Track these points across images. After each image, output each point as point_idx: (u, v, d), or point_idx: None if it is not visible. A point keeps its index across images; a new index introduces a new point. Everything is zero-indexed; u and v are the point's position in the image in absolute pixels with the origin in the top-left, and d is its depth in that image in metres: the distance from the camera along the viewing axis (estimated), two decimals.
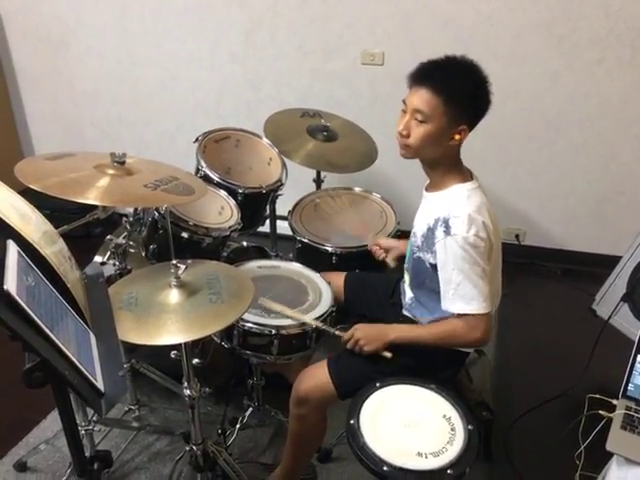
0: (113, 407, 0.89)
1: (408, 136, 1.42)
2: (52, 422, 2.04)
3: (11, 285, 0.77)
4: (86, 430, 1.73)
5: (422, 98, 1.37)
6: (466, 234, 1.36)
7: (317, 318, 1.62)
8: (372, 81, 2.88)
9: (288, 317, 1.62)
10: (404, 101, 1.43)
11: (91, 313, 1.04)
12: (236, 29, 2.94)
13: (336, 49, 2.86)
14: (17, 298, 0.76)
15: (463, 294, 1.39)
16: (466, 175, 1.48)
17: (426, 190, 1.55)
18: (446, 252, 1.39)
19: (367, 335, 1.52)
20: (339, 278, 1.86)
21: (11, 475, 1.87)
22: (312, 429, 1.65)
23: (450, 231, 1.38)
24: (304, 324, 1.60)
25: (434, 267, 1.46)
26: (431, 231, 1.45)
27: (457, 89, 1.36)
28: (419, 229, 1.53)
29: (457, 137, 1.40)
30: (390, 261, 1.86)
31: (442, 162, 1.46)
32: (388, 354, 1.51)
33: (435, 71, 1.39)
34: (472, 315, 1.39)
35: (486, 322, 1.40)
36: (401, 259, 1.77)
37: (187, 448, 1.64)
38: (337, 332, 1.59)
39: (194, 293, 1.36)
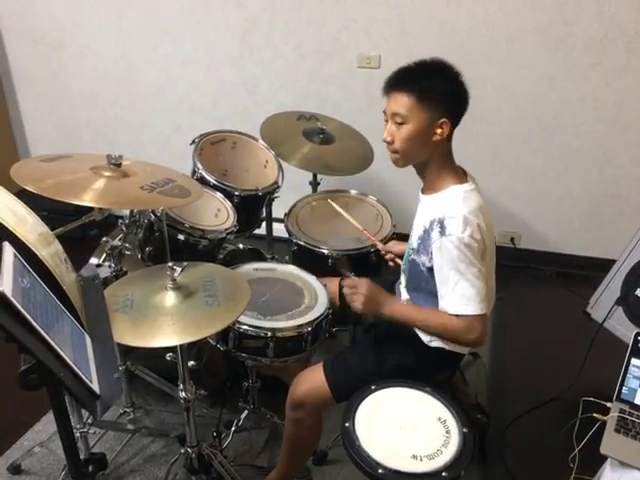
0: (108, 409, 0.89)
1: (393, 142, 1.44)
2: (46, 425, 2.04)
3: (7, 287, 0.77)
4: (81, 433, 1.72)
5: (397, 101, 1.40)
6: (461, 235, 1.36)
7: (313, 320, 1.62)
8: (368, 84, 2.89)
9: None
10: (384, 112, 1.46)
11: (87, 315, 1.04)
12: (232, 31, 2.95)
13: (332, 52, 2.87)
14: (12, 300, 0.76)
15: (461, 294, 1.39)
16: (461, 176, 1.49)
17: (422, 193, 1.56)
18: (442, 253, 1.40)
19: (368, 294, 1.50)
20: (334, 282, 1.86)
21: (5, 478, 1.86)
22: (308, 432, 1.65)
23: (445, 232, 1.38)
24: (300, 326, 1.60)
25: (429, 270, 1.46)
26: (427, 233, 1.45)
27: (428, 85, 1.39)
28: (416, 231, 1.53)
29: (439, 131, 1.40)
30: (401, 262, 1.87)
31: (433, 162, 1.47)
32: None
33: (404, 75, 1.42)
34: (468, 316, 1.39)
35: (482, 323, 1.40)
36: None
37: (182, 451, 1.64)
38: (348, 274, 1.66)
39: (190, 295, 1.36)
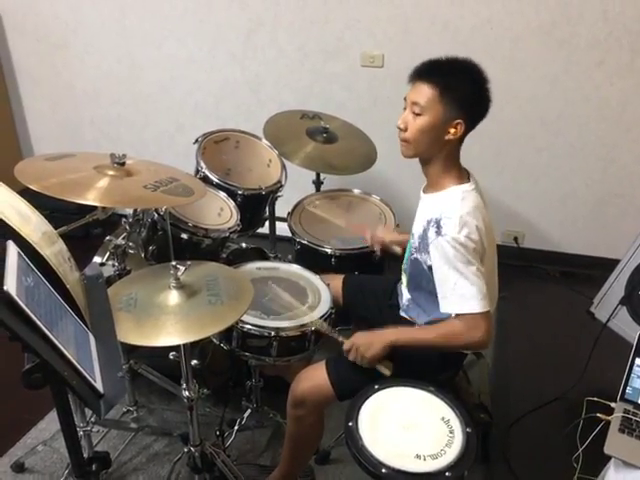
0: (112, 408, 0.89)
1: (406, 129, 1.44)
2: (50, 423, 2.04)
3: (11, 286, 0.77)
4: (84, 431, 1.72)
5: (419, 91, 1.40)
6: (457, 234, 1.36)
7: (317, 319, 1.62)
8: (372, 83, 2.88)
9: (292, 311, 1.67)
10: (405, 99, 1.46)
11: (90, 314, 1.04)
12: (236, 30, 2.94)
13: (336, 51, 2.87)
14: (17, 299, 0.76)
15: (461, 293, 1.38)
16: (463, 177, 1.49)
17: (423, 192, 1.56)
18: (438, 253, 1.39)
19: (366, 341, 1.48)
20: (337, 281, 1.86)
21: (8, 476, 1.86)
22: (310, 430, 1.65)
23: (441, 231, 1.38)
24: (304, 325, 1.60)
25: (430, 269, 1.46)
26: (425, 232, 1.45)
27: (453, 83, 1.39)
28: (416, 231, 1.53)
29: (452, 131, 1.41)
30: (396, 249, 1.87)
31: (439, 160, 1.46)
32: (387, 371, 1.48)
33: (434, 67, 1.42)
34: (472, 314, 1.38)
35: (486, 321, 1.38)
36: (401, 258, 1.77)
37: (185, 449, 1.64)
38: (340, 339, 1.56)
39: (193, 294, 1.36)
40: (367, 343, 1.48)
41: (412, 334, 1.52)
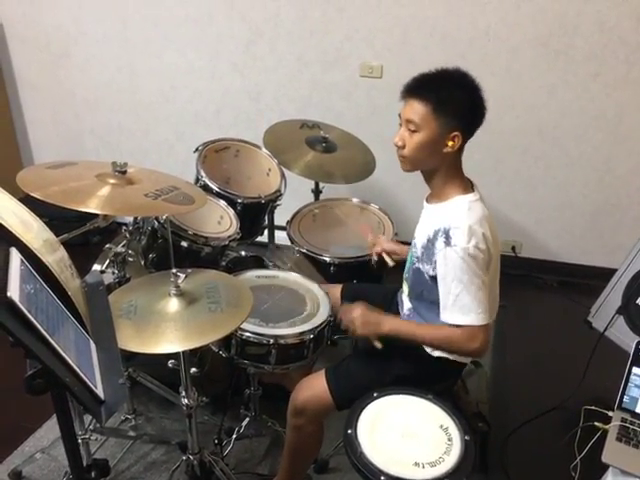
0: (113, 415, 0.90)
1: (403, 147, 1.44)
2: (48, 431, 2.03)
3: (14, 292, 0.78)
4: (82, 439, 1.72)
5: (413, 108, 1.40)
6: (466, 245, 1.37)
7: (315, 328, 1.62)
8: (370, 93, 2.91)
9: None
10: (399, 115, 1.46)
11: (91, 321, 1.04)
12: (236, 40, 2.97)
13: (335, 61, 2.89)
14: (20, 305, 0.77)
15: (461, 305, 1.39)
16: (467, 187, 1.49)
17: (427, 201, 1.56)
18: (446, 263, 1.40)
19: (364, 317, 1.51)
20: (336, 290, 1.86)
21: None
22: (309, 439, 1.65)
23: (450, 242, 1.39)
24: (302, 333, 1.60)
25: (433, 279, 1.47)
26: (431, 242, 1.46)
27: (445, 96, 1.39)
28: (419, 240, 1.54)
29: (450, 144, 1.41)
30: (389, 260, 1.87)
31: (441, 172, 1.47)
32: (379, 344, 1.50)
33: (425, 82, 1.42)
34: (470, 326, 1.40)
35: (484, 333, 1.40)
36: (400, 267, 1.78)
37: (184, 458, 1.64)
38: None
39: (193, 302, 1.37)
40: (364, 321, 1.51)
41: (409, 330, 1.52)
